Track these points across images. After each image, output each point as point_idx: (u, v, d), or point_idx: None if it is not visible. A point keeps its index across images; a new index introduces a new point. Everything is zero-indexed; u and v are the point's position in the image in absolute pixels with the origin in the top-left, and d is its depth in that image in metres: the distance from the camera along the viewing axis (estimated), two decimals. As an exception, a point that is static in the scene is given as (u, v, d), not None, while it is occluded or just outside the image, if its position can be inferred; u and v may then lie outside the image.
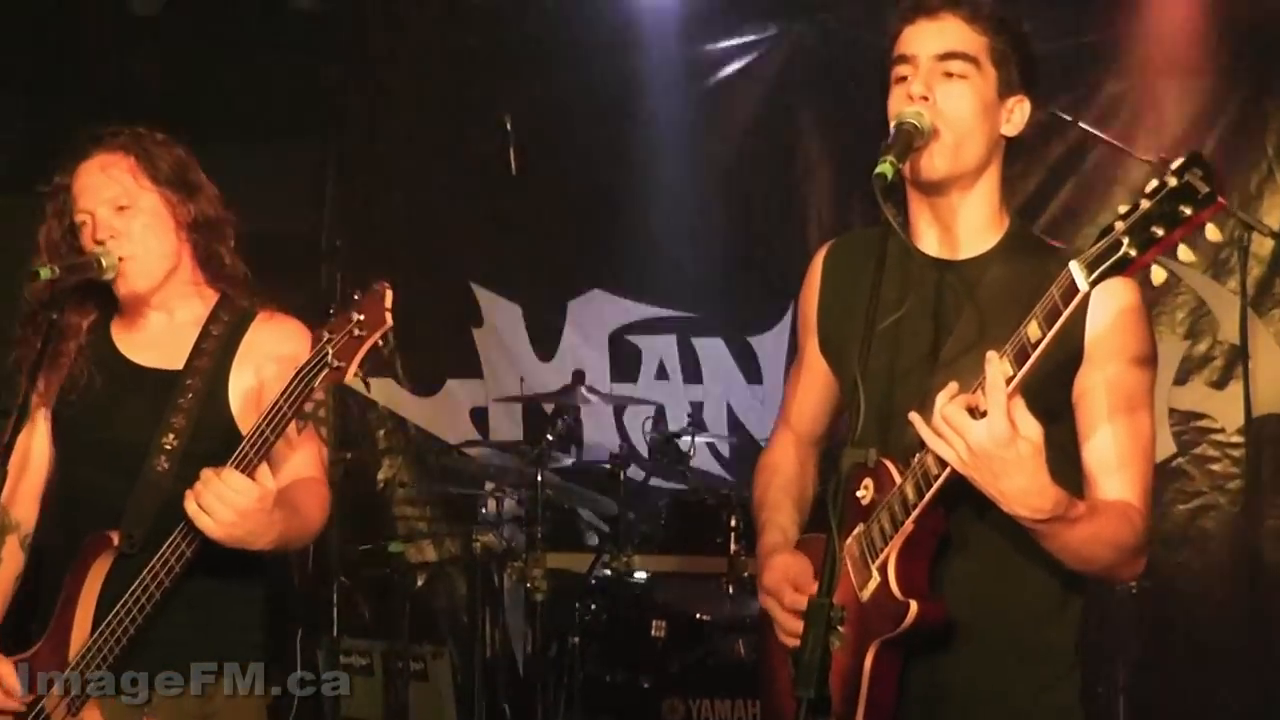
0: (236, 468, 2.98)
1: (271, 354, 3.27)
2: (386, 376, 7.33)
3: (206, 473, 2.97)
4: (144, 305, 3.37)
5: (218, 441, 3.17)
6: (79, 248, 3.30)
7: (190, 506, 2.97)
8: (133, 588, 3.11)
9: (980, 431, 2.41)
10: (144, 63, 7.06)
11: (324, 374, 2.91)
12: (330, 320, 2.91)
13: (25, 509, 3.43)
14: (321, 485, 3.30)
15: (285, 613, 6.14)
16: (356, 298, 2.89)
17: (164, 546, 3.08)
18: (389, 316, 2.86)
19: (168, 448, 3.22)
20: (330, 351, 2.89)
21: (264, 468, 3.05)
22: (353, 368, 2.88)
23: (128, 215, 3.27)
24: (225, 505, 2.95)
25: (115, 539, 3.18)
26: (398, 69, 7.28)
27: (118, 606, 3.13)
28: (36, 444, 3.42)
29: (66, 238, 3.34)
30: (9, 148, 6.85)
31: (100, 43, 7.02)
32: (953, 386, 2.48)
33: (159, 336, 3.37)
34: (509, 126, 6.76)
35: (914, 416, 2.52)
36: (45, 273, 3.22)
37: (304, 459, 3.27)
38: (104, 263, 3.24)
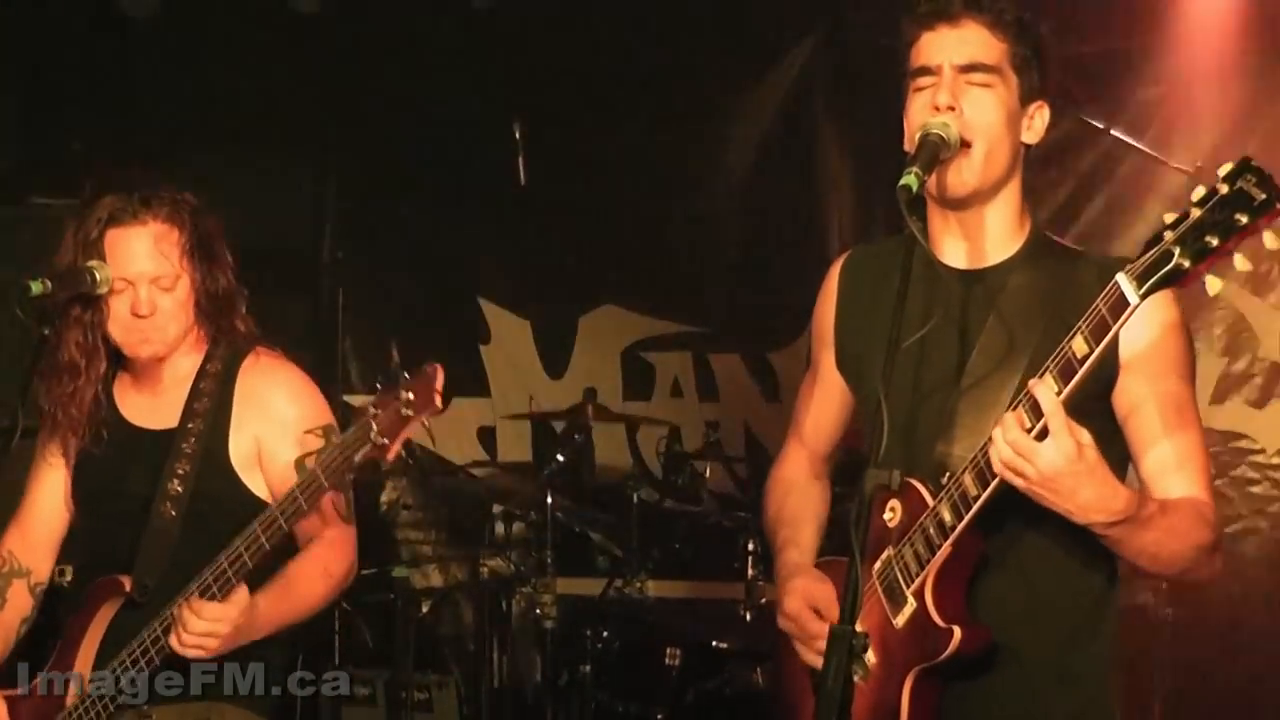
0: (266, 530, 2.99)
1: (264, 411, 3.33)
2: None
3: (184, 614, 3.01)
4: (147, 367, 3.44)
5: (221, 493, 3.26)
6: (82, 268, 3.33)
7: (178, 647, 3.03)
8: (130, 646, 3.16)
9: (1049, 453, 2.40)
10: (140, 72, 6.97)
11: (366, 449, 2.89)
12: (378, 394, 2.90)
13: (39, 558, 3.50)
14: (332, 544, 3.30)
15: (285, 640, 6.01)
16: (407, 375, 2.88)
17: (165, 612, 3.11)
18: (439, 399, 2.85)
19: (173, 494, 3.27)
20: (374, 428, 2.87)
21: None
22: (396, 446, 2.89)
23: (167, 294, 3.33)
24: (210, 639, 3.01)
25: (126, 584, 3.22)
26: (403, 77, 7.15)
27: (113, 663, 3.18)
28: (52, 496, 3.49)
29: (78, 261, 3.36)
30: (1, 158, 6.74)
31: (95, 52, 6.89)
32: (1007, 416, 2.46)
33: (157, 397, 3.43)
34: (518, 136, 6.69)
35: (997, 434, 2.47)
36: (36, 287, 3.25)
37: (317, 514, 3.26)
38: (97, 276, 3.27)
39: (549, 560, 6.03)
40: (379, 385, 2.91)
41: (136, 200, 3.34)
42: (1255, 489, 6.03)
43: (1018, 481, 2.44)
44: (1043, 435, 2.42)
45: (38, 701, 3.25)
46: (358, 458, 2.91)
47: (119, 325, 3.33)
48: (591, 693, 5.72)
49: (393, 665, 6.24)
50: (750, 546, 5.75)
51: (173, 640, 3.02)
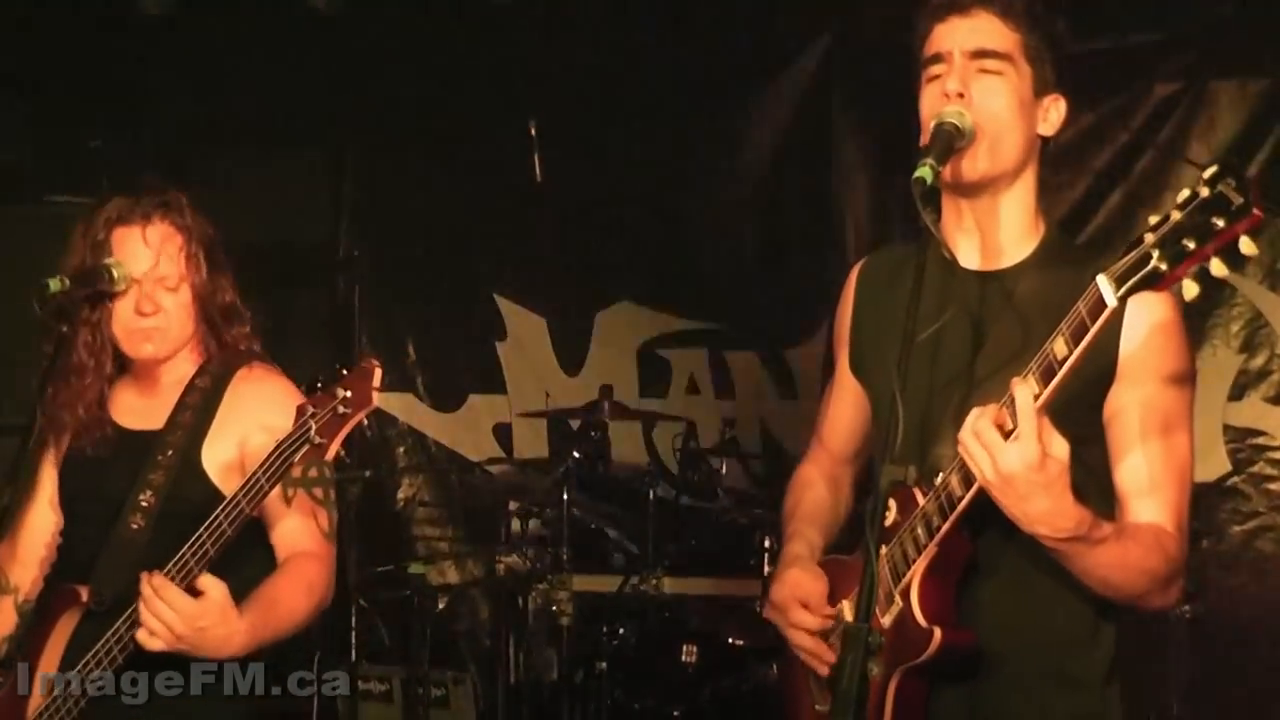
0: (211, 537, 2.96)
1: (251, 418, 3.28)
2: (407, 392, 7.29)
3: (145, 591, 2.95)
4: (145, 369, 3.44)
5: (194, 501, 3.18)
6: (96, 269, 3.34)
7: (140, 634, 2.97)
8: (95, 649, 3.11)
9: (1011, 454, 2.37)
10: (156, 69, 6.96)
11: (304, 450, 2.88)
12: (315, 394, 2.88)
13: (27, 573, 3.47)
14: (315, 561, 3.26)
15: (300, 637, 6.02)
16: (345, 373, 2.86)
17: (119, 619, 3.06)
18: (375, 396, 2.84)
19: (144, 505, 3.24)
20: (313, 427, 2.86)
21: (205, 577, 2.99)
22: (334, 446, 2.87)
23: (170, 295, 3.35)
24: (162, 624, 2.94)
25: (84, 594, 3.18)
26: (418, 74, 7.15)
27: (77, 668, 3.15)
28: (41, 510, 3.47)
29: (86, 261, 3.37)
30: (17, 154, 6.76)
31: (111, 48, 6.90)
32: (989, 407, 2.43)
33: (147, 400, 3.41)
34: (534, 132, 6.68)
35: (968, 419, 2.45)
36: (54, 284, 3.26)
37: (298, 531, 3.26)
38: (115, 274, 3.28)
39: (565, 557, 6.03)
40: (318, 384, 2.90)
41: (145, 202, 3.36)
42: (1273, 485, 5.97)
43: (977, 471, 2.42)
44: None
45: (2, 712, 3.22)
46: (297, 458, 2.89)
47: (121, 325, 3.34)
48: (608, 689, 5.73)
49: (409, 662, 6.25)
50: (766, 543, 5.76)
51: (139, 634, 2.97)
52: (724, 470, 6.60)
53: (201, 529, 2.97)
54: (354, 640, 6.10)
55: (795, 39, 6.88)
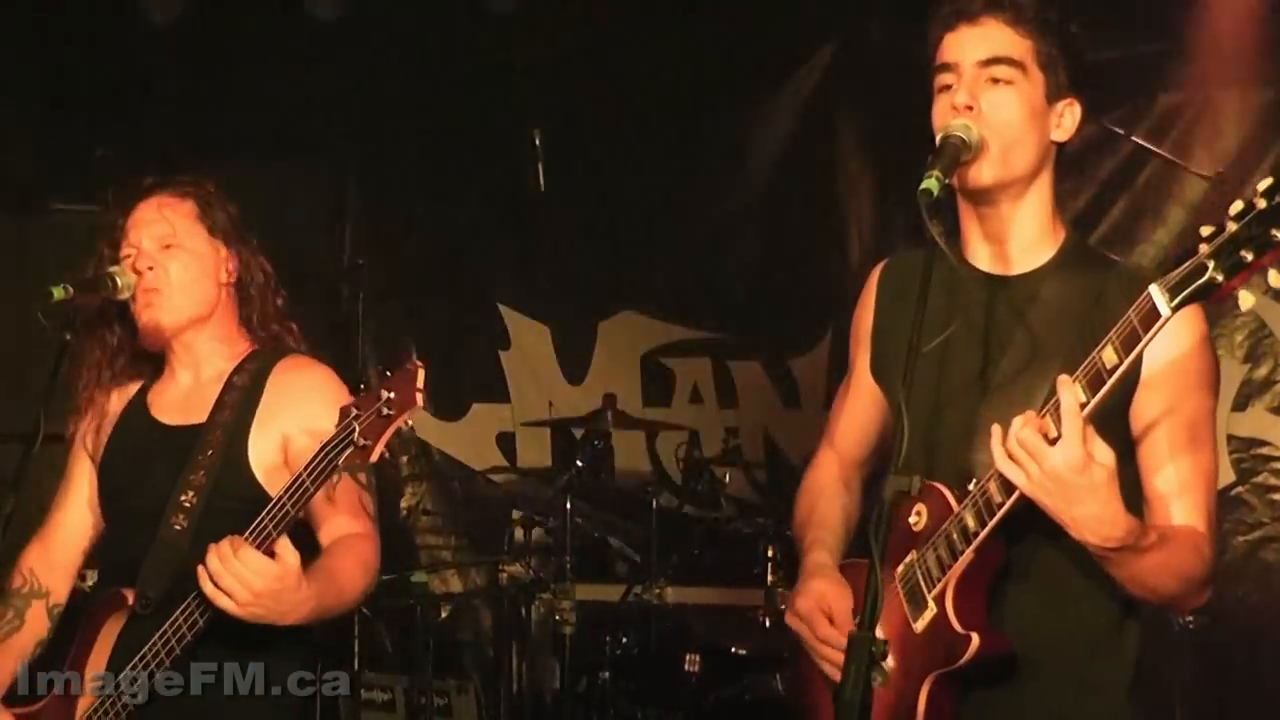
0: (254, 540, 2.92)
1: (293, 412, 3.27)
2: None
3: (223, 549, 2.91)
4: (171, 355, 3.39)
5: (238, 499, 3.18)
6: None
7: (207, 586, 2.92)
8: (142, 652, 3.09)
9: (1056, 457, 2.36)
10: (162, 78, 6.97)
11: (349, 452, 2.86)
12: (359, 395, 2.88)
13: (59, 577, 3.46)
14: (363, 540, 3.23)
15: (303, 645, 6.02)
16: (389, 375, 2.85)
17: (176, 613, 3.05)
18: (420, 397, 2.82)
19: (186, 505, 3.22)
20: (357, 429, 2.84)
21: (284, 541, 2.96)
22: (379, 447, 2.85)
23: (171, 253, 3.31)
24: (242, 586, 2.89)
25: (129, 598, 3.16)
26: (422, 83, 7.16)
27: (126, 670, 3.12)
28: (76, 508, 3.46)
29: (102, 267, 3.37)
30: (23, 162, 6.76)
31: (117, 58, 6.91)
32: (1029, 414, 2.43)
33: (186, 396, 3.39)
34: (538, 142, 6.68)
35: (996, 429, 2.44)
36: (58, 292, 3.25)
37: (344, 514, 3.22)
38: (119, 282, 3.27)
39: (568, 566, 6.02)
40: (362, 385, 2.89)
41: (147, 184, 3.39)
42: (1277, 495, 5.98)
43: (1019, 479, 2.40)
44: None
45: (49, 715, 3.21)
46: (341, 460, 2.87)
47: (137, 294, 3.32)
48: (610, 699, 5.72)
49: (412, 671, 6.24)
50: (769, 553, 5.75)
51: (202, 582, 2.91)
52: (727, 479, 6.59)
53: (248, 532, 2.93)
54: (357, 649, 6.10)
55: (799, 48, 6.90)
